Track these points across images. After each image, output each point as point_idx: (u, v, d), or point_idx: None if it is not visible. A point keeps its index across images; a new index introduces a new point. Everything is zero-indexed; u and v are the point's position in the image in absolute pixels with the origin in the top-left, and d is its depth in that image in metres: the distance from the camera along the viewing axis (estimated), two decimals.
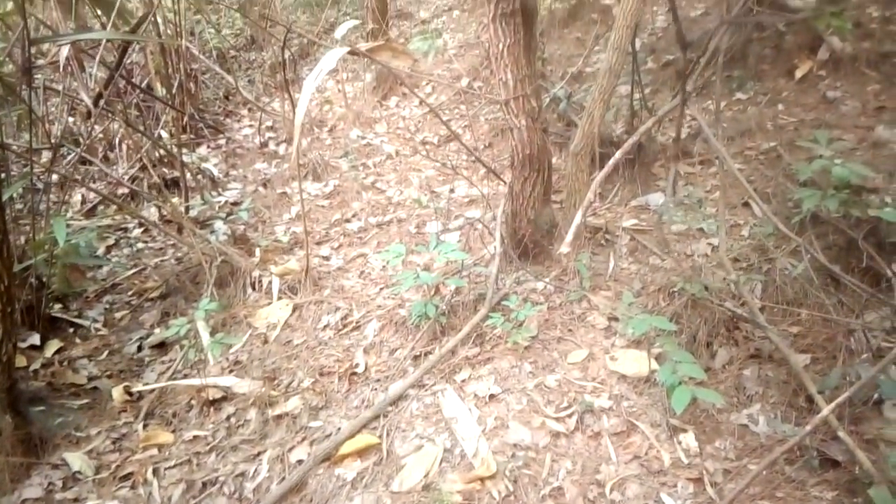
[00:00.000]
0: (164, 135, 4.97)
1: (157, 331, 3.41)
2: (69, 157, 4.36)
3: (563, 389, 2.53)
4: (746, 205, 3.41)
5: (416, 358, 2.89)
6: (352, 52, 2.45)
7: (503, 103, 2.97)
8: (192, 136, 5.22)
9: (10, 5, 5.27)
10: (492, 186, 4.17)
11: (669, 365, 2.15)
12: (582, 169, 3.23)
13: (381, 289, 3.47)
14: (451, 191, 4.44)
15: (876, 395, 2.23)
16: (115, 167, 4.64)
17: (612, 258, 3.26)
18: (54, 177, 3.78)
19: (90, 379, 3.07)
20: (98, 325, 3.45)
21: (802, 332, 2.63)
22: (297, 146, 2.72)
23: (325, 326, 3.25)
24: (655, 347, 2.62)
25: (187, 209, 4.20)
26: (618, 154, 2.87)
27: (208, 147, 5.38)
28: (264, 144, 5.48)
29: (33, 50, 3.69)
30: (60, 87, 4.19)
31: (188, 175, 4.38)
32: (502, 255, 3.22)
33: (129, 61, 4.78)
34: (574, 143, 3.23)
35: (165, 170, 4.66)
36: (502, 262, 3.22)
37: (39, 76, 4.51)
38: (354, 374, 2.88)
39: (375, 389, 2.75)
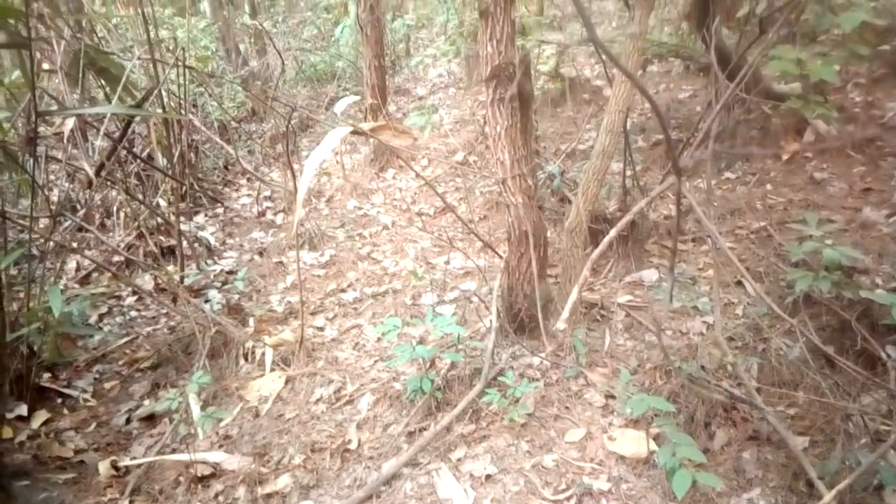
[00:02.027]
0: (163, 203, 5.02)
1: (146, 402, 3.34)
2: (66, 225, 4.38)
3: (560, 470, 2.49)
4: (739, 283, 3.45)
5: (410, 434, 2.84)
6: (355, 132, 2.52)
7: (500, 182, 3.04)
8: (190, 205, 5.28)
9: (15, 73, 5.42)
10: (487, 259, 4.21)
11: (669, 447, 2.14)
12: (577, 245, 3.28)
13: (376, 361, 3.45)
14: (447, 262, 4.47)
15: (876, 481, 2.21)
16: (111, 235, 4.66)
17: (607, 334, 3.26)
18: (51, 244, 3.78)
19: (77, 452, 2.98)
20: (87, 396, 3.38)
21: (800, 413, 2.63)
22: (297, 220, 2.76)
23: (318, 400, 3.21)
24: (654, 427, 2.59)
25: (182, 278, 4.20)
26: (612, 232, 2.90)
27: (206, 216, 5.43)
28: (262, 214, 5.53)
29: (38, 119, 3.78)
30: (62, 156, 4.26)
31: (185, 243, 4.40)
32: (498, 329, 3.22)
33: (131, 131, 4.88)
34: (569, 220, 3.29)
35: (162, 238, 4.68)
36: (498, 336, 3.22)
37: (42, 146, 4.58)
38: (347, 450, 2.82)
39: (368, 467, 2.69)
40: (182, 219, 4.52)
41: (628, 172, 4.03)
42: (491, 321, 3.25)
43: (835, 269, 2.81)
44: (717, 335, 2.83)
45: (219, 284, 4.30)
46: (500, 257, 3.49)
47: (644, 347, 3.15)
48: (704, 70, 5.10)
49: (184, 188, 4.88)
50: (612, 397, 2.85)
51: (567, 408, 2.84)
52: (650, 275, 3.72)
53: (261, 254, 4.88)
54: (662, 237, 4.01)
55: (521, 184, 3.03)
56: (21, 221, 3.80)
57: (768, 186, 4.26)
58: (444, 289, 4.06)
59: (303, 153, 6.66)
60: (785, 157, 4.41)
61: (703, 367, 2.73)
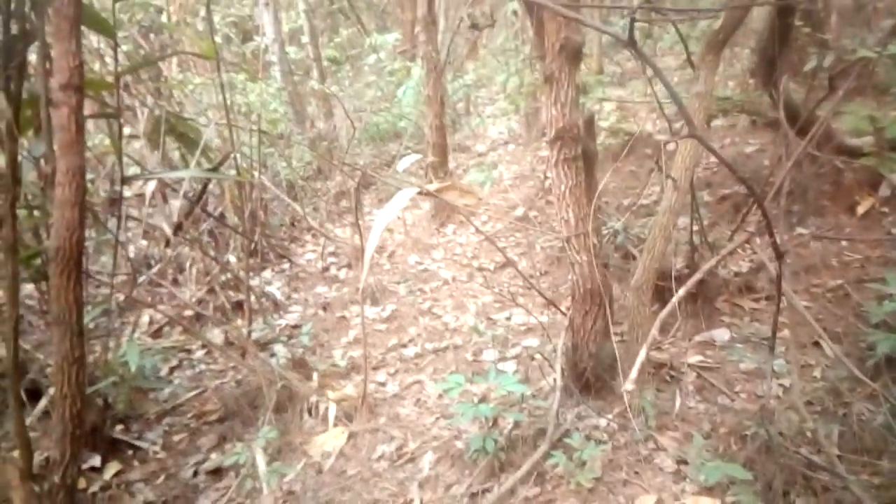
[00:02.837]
0: (233, 259, 5.20)
1: (213, 456, 3.40)
2: (140, 280, 4.58)
3: None
4: (817, 344, 3.31)
5: (473, 496, 2.79)
6: (421, 193, 2.59)
7: (565, 240, 3.04)
8: (258, 261, 5.45)
9: (98, 137, 5.80)
10: (550, 315, 4.17)
11: None
12: (644, 303, 3.22)
13: (437, 418, 3.43)
14: (508, 318, 4.45)
15: None
16: (183, 289, 4.85)
17: (678, 396, 3.16)
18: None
19: None
20: (157, 448, 3.47)
21: (885, 483, 2.46)
22: (364, 277, 2.81)
23: (380, 457, 3.20)
24: (729, 496, 2.47)
25: (250, 332, 4.31)
26: (681, 291, 2.84)
27: (273, 271, 5.59)
28: (326, 269, 5.66)
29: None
30: (140, 215, 4.50)
31: (252, 298, 4.53)
32: (563, 388, 3.16)
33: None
34: (635, 278, 3.24)
35: (231, 293, 4.83)
36: (562, 395, 3.16)
37: (122, 206, 4.85)
38: None
39: None
40: (251, 274, 4.67)
41: (695, 228, 3.96)
42: (555, 380, 3.20)
43: None
44: (795, 399, 2.72)
45: (284, 338, 4.38)
46: (564, 314, 3.46)
47: (717, 410, 3.03)
48: (771, 124, 5.02)
49: (253, 245, 5.06)
50: (685, 463, 2.74)
51: (636, 473, 2.74)
52: (721, 334, 3.61)
53: (325, 308, 4.96)
54: (733, 295, 3.90)
55: (585, 242, 3.02)
56: (100, 277, 4.01)
57: (843, 243, 4.11)
58: (505, 345, 4.03)
59: (365, 209, 6.83)
60: (860, 211, 4.26)
61: (780, 433, 2.60)
